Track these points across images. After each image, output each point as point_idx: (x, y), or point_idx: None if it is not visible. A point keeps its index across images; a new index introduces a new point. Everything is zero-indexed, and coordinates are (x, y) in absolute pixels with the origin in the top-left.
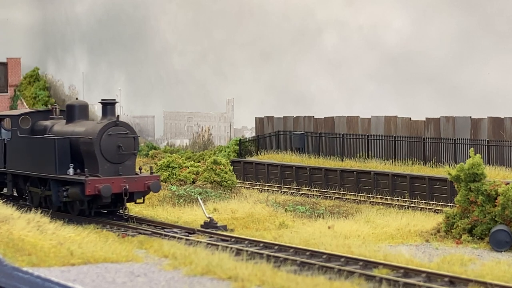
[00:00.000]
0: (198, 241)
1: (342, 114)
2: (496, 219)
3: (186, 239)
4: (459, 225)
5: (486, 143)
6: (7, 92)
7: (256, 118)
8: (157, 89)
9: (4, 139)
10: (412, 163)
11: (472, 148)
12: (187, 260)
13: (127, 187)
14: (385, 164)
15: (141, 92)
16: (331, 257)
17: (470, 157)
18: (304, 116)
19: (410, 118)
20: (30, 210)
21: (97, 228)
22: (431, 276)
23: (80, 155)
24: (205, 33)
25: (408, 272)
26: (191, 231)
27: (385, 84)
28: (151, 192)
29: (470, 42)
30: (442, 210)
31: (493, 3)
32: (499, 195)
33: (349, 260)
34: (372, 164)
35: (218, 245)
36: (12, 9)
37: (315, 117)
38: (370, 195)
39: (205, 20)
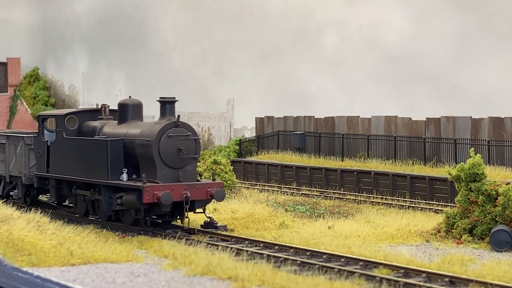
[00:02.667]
0: (198, 241)
1: (342, 114)
2: (496, 219)
3: (186, 239)
4: (460, 225)
5: (487, 143)
6: (7, 92)
7: (256, 118)
8: (157, 89)
9: (47, 141)
10: (413, 163)
11: (472, 148)
12: (187, 260)
13: (188, 194)
14: (386, 164)
15: (141, 92)
16: (331, 257)
17: (470, 157)
18: (304, 116)
19: (411, 118)
20: (30, 210)
21: (97, 228)
22: (431, 276)
23: (135, 159)
24: (205, 33)
25: (408, 272)
26: (191, 231)
27: (385, 84)
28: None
29: (470, 42)
30: (442, 210)
31: (493, 3)
32: (500, 195)
33: (349, 260)
34: (373, 164)
35: (218, 245)
36: (12, 9)
37: (315, 117)
38: (371, 195)
39: (205, 20)
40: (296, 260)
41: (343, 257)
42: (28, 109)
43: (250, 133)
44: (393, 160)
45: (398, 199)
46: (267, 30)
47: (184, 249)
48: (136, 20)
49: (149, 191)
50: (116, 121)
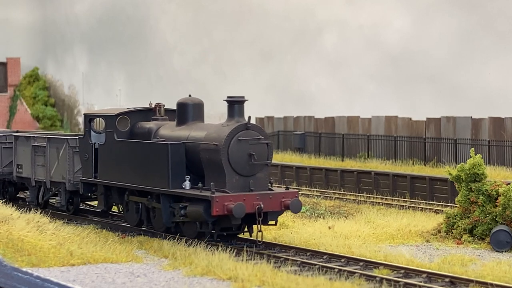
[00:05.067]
0: (198, 241)
1: (342, 114)
2: (496, 219)
3: (186, 239)
4: (460, 225)
5: (487, 143)
6: (7, 92)
7: (256, 118)
8: (157, 89)
9: (94, 143)
10: (413, 163)
11: (472, 148)
12: (187, 260)
13: (262, 205)
14: (386, 164)
15: (141, 92)
16: (331, 257)
17: (470, 157)
18: (304, 116)
19: (411, 118)
20: (30, 210)
21: (97, 228)
22: (431, 277)
23: (198, 165)
24: (205, 33)
25: (408, 272)
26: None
27: (385, 84)
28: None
29: (470, 42)
30: (442, 210)
31: (493, 3)
32: (500, 195)
33: (349, 261)
34: (373, 164)
35: (218, 245)
36: (12, 8)
37: (315, 117)
38: (371, 195)
39: (205, 20)
40: (296, 261)
41: (343, 257)
42: (28, 109)
43: None
44: (393, 160)
45: (398, 199)
46: (267, 30)
47: (184, 250)
48: (136, 20)
49: (218, 202)
50: (173, 122)
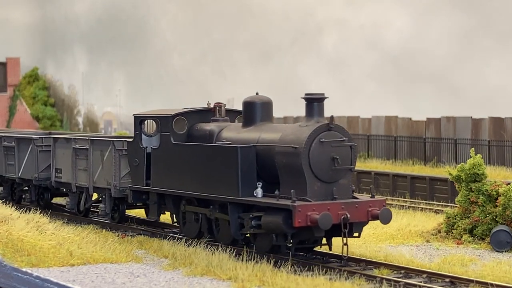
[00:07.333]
0: (198, 242)
1: (342, 114)
2: (497, 219)
3: (186, 239)
4: (460, 225)
5: (487, 143)
6: (6, 92)
7: None
8: (156, 89)
9: (145, 147)
10: (413, 163)
11: (472, 148)
12: (187, 260)
13: (347, 215)
14: (386, 164)
15: (140, 92)
16: (331, 257)
17: (470, 157)
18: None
19: (411, 118)
20: (30, 210)
21: (97, 229)
22: (432, 277)
23: (271, 171)
24: (205, 33)
25: (408, 272)
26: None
27: (385, 84)
28: None
29: (471, 41)
30: (442, 210)
31: (493, 3)
32: (500, 195)
33: (349, 261)
34: (373, 164)
35: (218, 246)
36: (12, 8)
37: None
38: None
39: (205, 20)
40: (297, 261)
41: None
42: (28, 109)
43: None
44: (393, 160)
45: (398, 199)
46: (267, 30)
47: (184, 250)
48: (136, 20)
49: (301, 212)
50: (236, 124)
